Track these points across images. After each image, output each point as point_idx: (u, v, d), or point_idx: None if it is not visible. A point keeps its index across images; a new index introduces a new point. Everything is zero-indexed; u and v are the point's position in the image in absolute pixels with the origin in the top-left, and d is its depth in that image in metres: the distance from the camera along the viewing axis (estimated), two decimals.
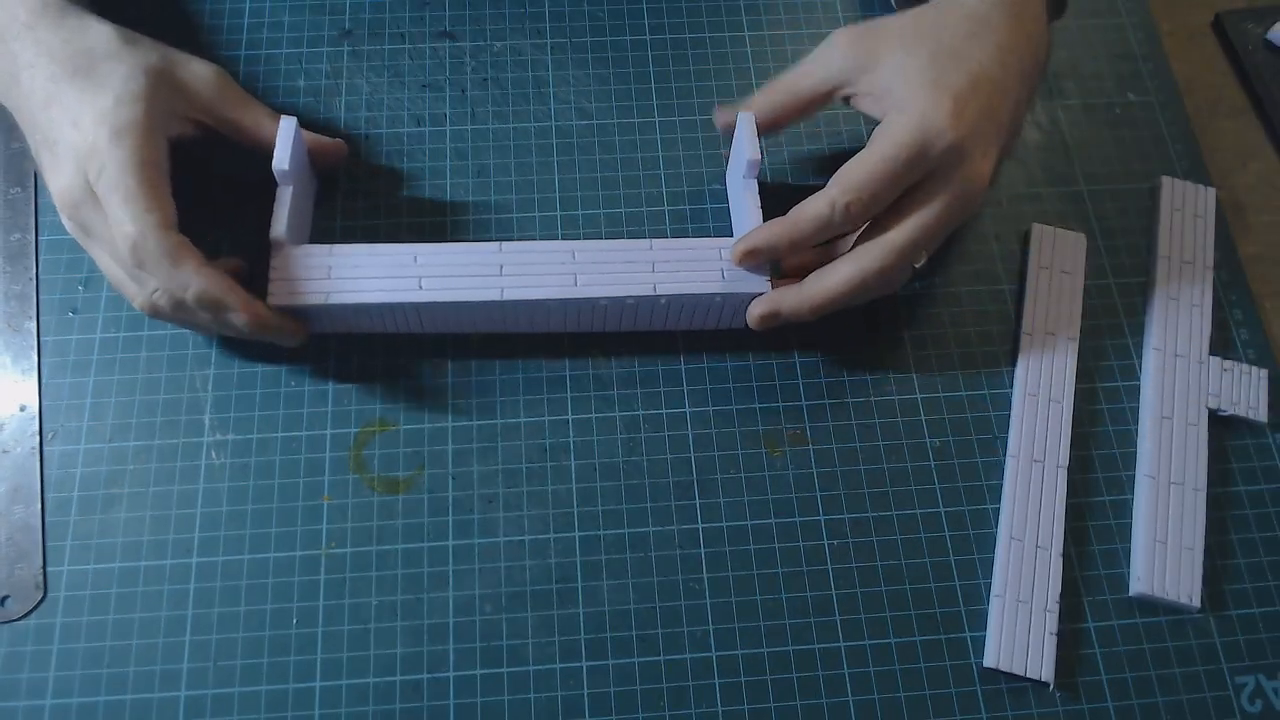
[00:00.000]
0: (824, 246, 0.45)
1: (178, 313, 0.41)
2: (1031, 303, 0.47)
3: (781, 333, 0.47)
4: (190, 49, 0.45)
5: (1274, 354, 0.48)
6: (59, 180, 0.40)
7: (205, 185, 0.47)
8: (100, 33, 0.42)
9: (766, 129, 0.45)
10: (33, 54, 0.41)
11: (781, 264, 0.45)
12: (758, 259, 0.43)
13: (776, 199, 0.50)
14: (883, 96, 0.42)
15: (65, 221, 0.41)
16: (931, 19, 0.43)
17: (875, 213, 0.41)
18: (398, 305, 0.43)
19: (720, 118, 0.47)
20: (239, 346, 0.45)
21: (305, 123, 0.46)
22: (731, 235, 0.48)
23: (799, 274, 0.43)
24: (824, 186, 0.41)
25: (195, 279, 0.40)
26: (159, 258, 0.39)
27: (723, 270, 0.44)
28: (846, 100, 0.44)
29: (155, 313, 0.41)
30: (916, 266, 0.43)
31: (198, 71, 0.44)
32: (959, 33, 0.42)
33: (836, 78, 0.44)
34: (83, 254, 0.47)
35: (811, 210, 0.41)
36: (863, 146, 0.40)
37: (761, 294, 0.44)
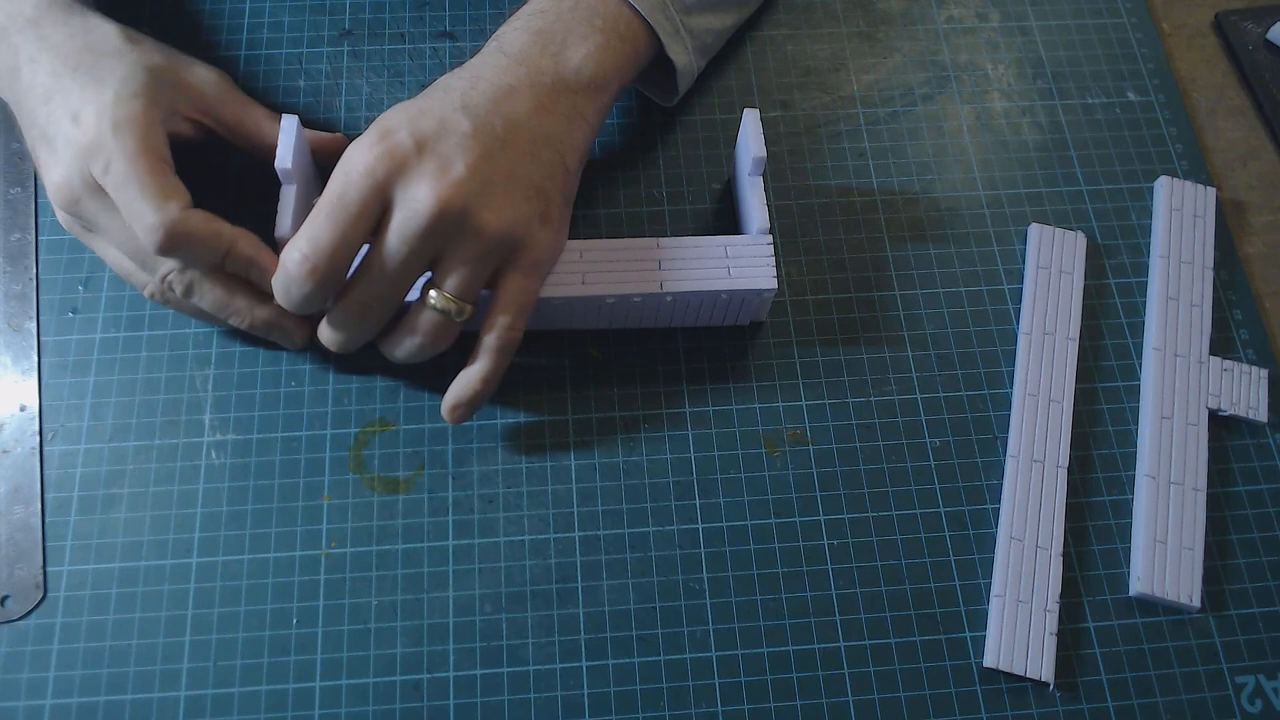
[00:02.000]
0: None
1: (188, 298, 0.41)
2: (1031, 303, 0.48)
3: (783, 333, 0.47)
4: (191, 48, 0.45)
5: (1274, 354, 0.48)
6: (56, 174, 0.40)
7: (211, 187, 0.47)
8: (104, 31, 0.42)
9: None
10: (35, 48, 0.41)
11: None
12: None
13: (780, 196, 0.50)
14: None
15: (62, 217, 0.41)
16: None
17: (331, 268, 0.38)
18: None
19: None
20: (239, 345, 0.45)
21: (305, 122, 0.46)
22: (734, 233, 0.48)
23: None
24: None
25: (239, 242, 0.40)
26: (198, 238, 0.39)
27: (729, 267, 0.44)
28: None
29: (166, 300, 0.41)
30: (457, 318, 0.40)
31: (200, 73, 0.44)
32: (429, 88, 0.42)
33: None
34: (83, 254, 0.47)
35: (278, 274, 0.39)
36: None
37: (769, 290, 0.44)
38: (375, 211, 0.38)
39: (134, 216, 0.39)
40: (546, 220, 0.41)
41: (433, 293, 0.40)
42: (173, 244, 0.39)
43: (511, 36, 0.43)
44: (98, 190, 0.39)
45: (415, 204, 0.38)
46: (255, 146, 0.45)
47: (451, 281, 0.39)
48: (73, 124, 0.40)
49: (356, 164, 0.38)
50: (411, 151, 0.38)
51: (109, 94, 0.40)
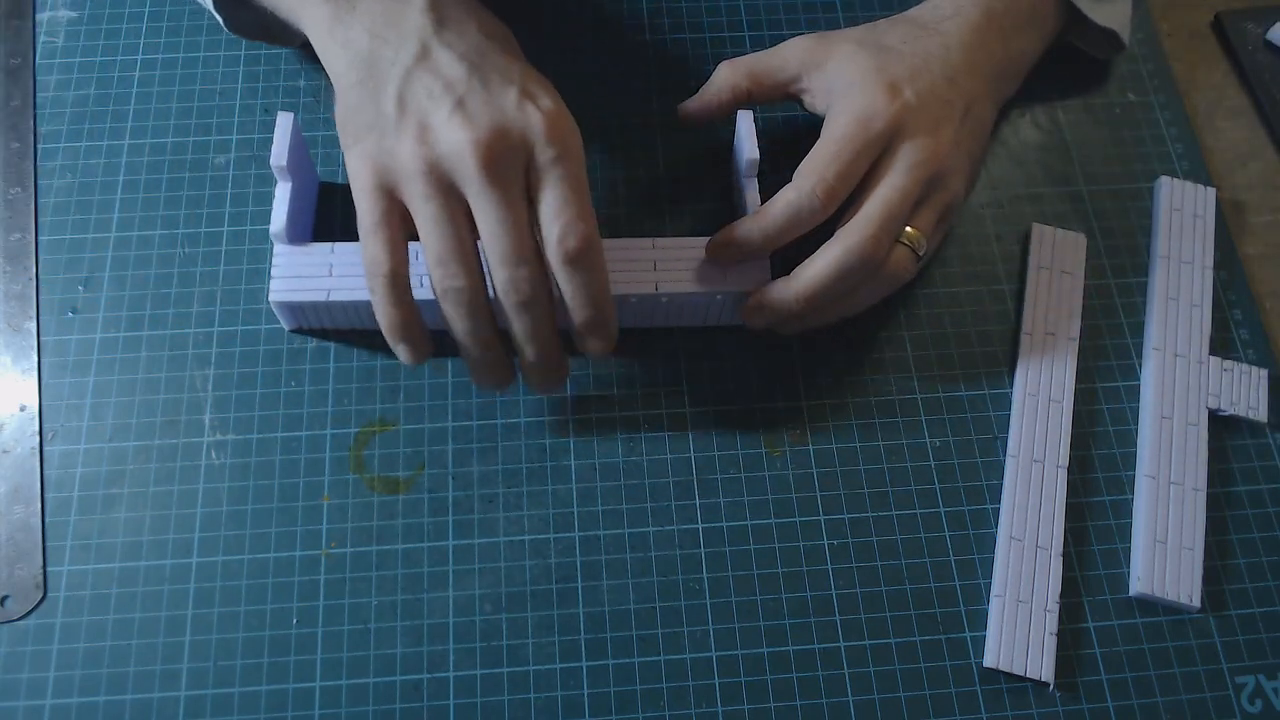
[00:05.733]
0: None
1: (525, 310, 0.38)
2: (1031, 303, 0.47)
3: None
4: (190, 47, 0.45)
5: (1274, 354, 0.48)
6: (472, 134, 0.36)
7: (211, 182, 0.48)
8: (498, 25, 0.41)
9: (725, 102, 0.47)
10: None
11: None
12: (729, 254, 0.43)
13: None
14: (828, 92, 0.45)
15: (416, 170, 0.37)
16: (882, 28, 0.47)
17: (841, 196, 0.42)
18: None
19: (688, 109, 0.48)
20: (239, 345, 0.45)
21: (306, 122, 0.46)
22: None
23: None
24: None
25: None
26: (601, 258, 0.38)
27: (724, 269, 0.44)
28: (799, 99, 0.47)
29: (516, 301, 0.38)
30: (920, 255, 0.43)
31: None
32: (903, 36, 0.45)
33: (794, 69, 0.46)
34: (83, 254, 0.47)
35: (781, 201, 0.42)
36: None
37: None
38: (877, 154, 0.42)
39: (563, 212, 0.37)
40: (972, 186, 0.47)
41: (909, 229, 0.43)
42: (587, 253, 0.37)
43: (969, 9, 0.46)
44: (508, 167, 0.36)
45: (917, 154, 0.42)
46: None
47: (919, 221, 0.43)
48: (522, 95, 0.37)
49: (880, 111, 0.42)
50: (915, 108, 0.43)
51: (551, 91, 0.39)
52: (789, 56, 0.46)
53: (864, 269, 0.41)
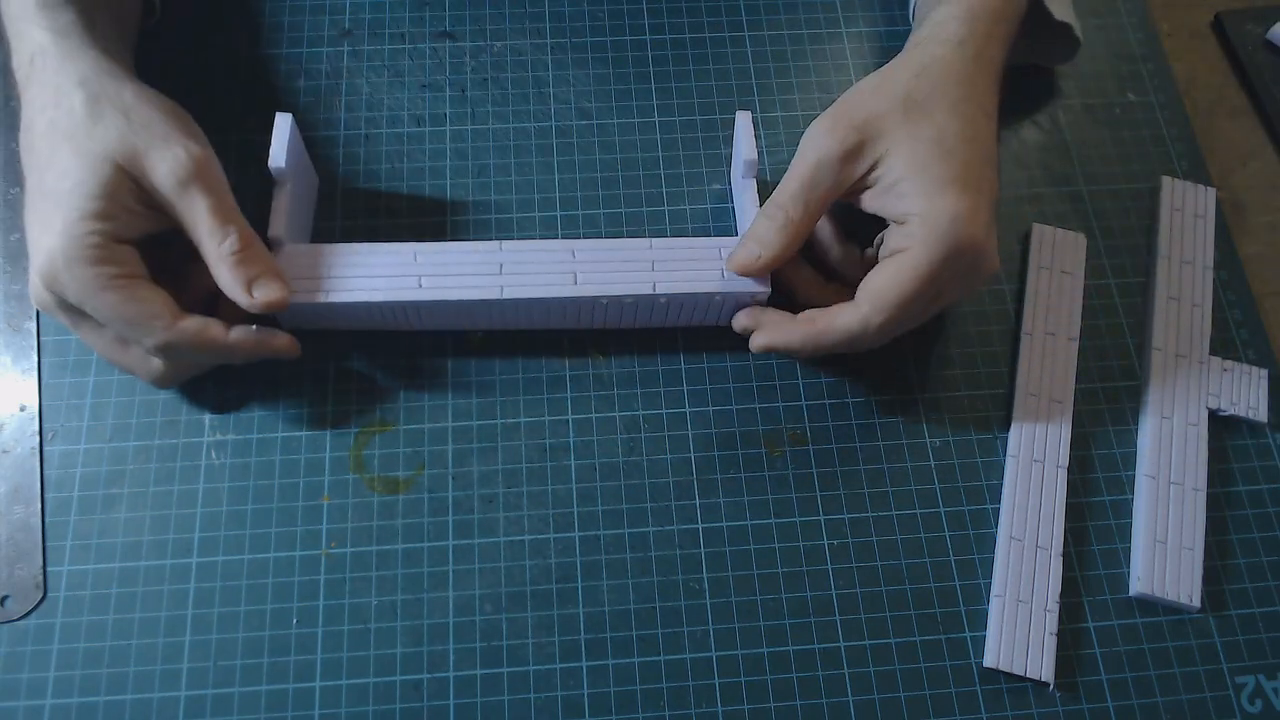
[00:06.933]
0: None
1: (181, 365, 0.42)
2: (1031, 303, 0.47)
3: None
4: (190, 48, 0.45)
5: (1274, 354, 0.48)
6: (32, 277, 0.39)
7: None
8: (73, 101, 0.39)
9: (787, 257, 0.42)
10: (30, 103, 0.40)
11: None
12: (768, 349, 0.43)
13: None
14: (892, 191, 0.40)
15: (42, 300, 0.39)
16: (908, 85, 0.41)
17: (904, 328, 0.42)
18: (398, 304, 0.43)
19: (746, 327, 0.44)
20: None
21: (305, 122, 0.46)
22: (730, 234, 0.48)
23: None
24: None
25: (232, 337, 0.41)
26: (194, 346, 0.40)
27: (722, 269, 0.44)
28: (851, 201, 0.42)
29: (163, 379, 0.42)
30: None
31: (168, 158, 0.39)
32: (944, 103, 0.41)
33: (835, 169, 0.40)
34: None
35: (842, 324, 0.41)
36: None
37: (761, 293, 0.44)
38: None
39: (128, 334, 0.39)
40: None
41: None
42: (174, 353, 0.40)
43: (985, 82, 0.42)
44: (65, 303, 0.38)
45: (983, 276, 0.41)
46: (202, 254, 0.40)
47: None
48: (37, 239, 0.38)
49: (969, 245, 0.39)
50: (990, 223, 0.40)
51: (59, 219, 0.37)
52: (824, 153, 0.40)
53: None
